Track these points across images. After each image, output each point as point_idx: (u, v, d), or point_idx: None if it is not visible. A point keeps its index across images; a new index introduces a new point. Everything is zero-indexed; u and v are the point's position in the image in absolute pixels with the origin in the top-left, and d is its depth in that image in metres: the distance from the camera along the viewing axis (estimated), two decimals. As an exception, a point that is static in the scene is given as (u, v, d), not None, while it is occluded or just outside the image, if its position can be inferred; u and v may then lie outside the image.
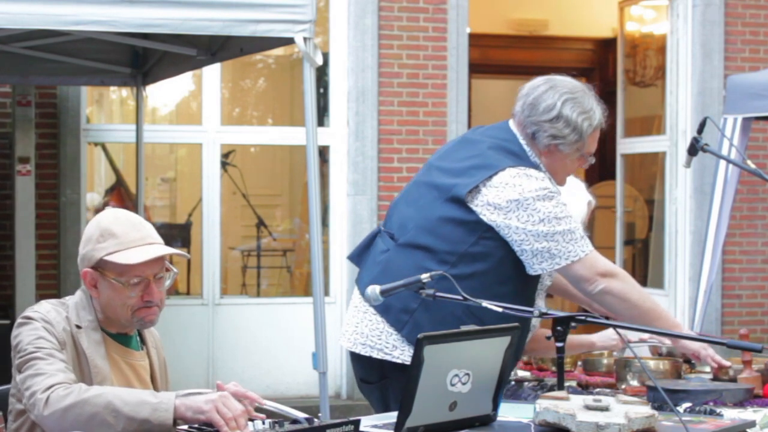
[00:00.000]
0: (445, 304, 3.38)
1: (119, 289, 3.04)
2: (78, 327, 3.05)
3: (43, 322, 3.00)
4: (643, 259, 10.71)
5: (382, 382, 3.76)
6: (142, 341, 3.21)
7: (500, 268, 3.68)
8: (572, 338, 4.24)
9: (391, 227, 3.83)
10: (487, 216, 3.65)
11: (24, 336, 2.98)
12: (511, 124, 3.81)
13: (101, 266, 3.05)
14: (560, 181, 3.82)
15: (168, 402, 2.79)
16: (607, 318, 3.60)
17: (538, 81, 3.77)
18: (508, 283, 3.69)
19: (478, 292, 3.40)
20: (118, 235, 3.05)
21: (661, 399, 3.19)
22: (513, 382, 4.02)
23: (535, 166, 3.73)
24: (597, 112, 3.74)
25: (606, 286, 3.66)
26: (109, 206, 5.73)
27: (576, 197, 4.37)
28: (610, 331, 4.09)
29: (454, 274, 3.44)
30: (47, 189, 8.35)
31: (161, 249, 3.06)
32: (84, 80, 8.15)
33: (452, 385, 2.79)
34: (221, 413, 2.76)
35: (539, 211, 3.62)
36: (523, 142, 3.76)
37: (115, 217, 3.10)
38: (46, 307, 3.06)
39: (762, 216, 9.57)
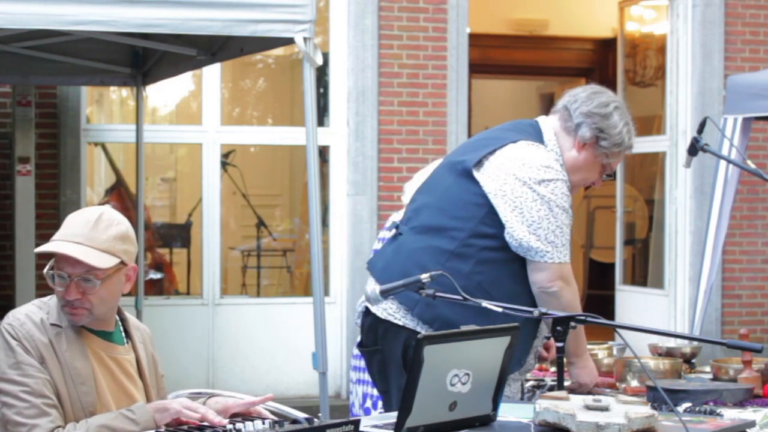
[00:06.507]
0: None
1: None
2: (58, 326, 3.05)
3: (20, 341, 2.99)
4: (643, 259, 10.71)
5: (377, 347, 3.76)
6: (127, 336, 3.23)
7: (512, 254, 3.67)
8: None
9: (408, 218, 3.86)
10: (487, 186, 3.66)
11: (0, 357, 2.99)
12: (541, 118, 3.85)
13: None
14: (576, 184, 3.81)
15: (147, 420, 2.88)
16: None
17: (585, 86, 3.84)
18: (520, 282, 3.68)
19: (487, 285, 3.49)
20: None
21: (661, 399, 3.19)
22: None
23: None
24: (633, 131, 3.81)
25: (559, 289, 3.63)
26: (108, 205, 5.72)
27: None
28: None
29: (462, 252, 3.56)
30: (47, 189, 8.35)
31: None
32: (84, 80, 8.15)
33: (452, 385, 2.79)
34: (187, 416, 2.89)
35: (535, 191, 3.63)
36: (549, 132, 3.78)
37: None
38: (23, 319, 3.05)
39: (762, 216, 9.57)
